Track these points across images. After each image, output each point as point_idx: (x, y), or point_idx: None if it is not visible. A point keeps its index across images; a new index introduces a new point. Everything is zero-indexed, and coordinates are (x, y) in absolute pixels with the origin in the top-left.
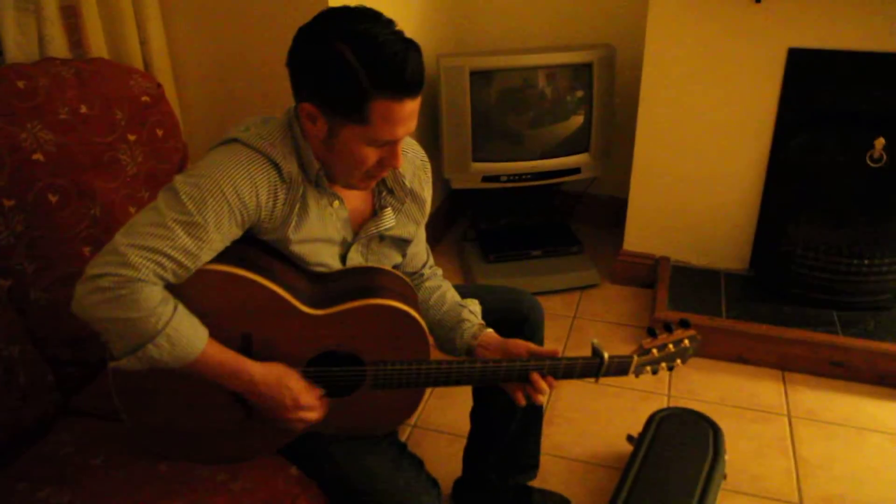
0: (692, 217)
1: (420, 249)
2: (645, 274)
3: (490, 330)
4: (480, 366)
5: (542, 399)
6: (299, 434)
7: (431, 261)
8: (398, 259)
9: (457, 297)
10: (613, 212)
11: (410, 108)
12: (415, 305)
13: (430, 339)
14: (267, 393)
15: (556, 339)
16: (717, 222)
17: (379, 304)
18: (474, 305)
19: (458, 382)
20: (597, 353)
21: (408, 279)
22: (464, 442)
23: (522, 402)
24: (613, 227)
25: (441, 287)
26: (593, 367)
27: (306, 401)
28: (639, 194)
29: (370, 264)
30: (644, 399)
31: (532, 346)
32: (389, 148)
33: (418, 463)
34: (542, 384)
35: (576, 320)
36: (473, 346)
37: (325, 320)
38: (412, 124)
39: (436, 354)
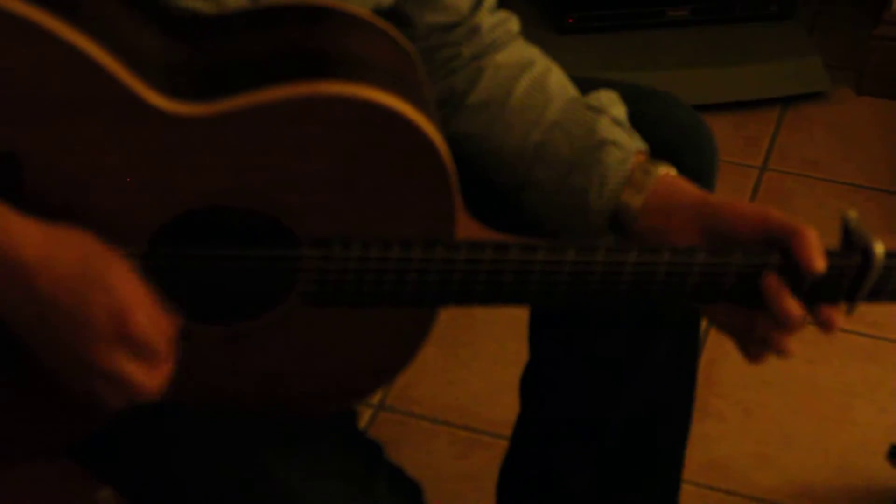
0: None
1: None
2: None
3: (670, 169)
4: (706, 261)
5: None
6: (118, 412)
7: None
8: None
9: (571, 89)
10: None
11: None
12: (424, 104)
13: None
14: (53, 296)
15: None
16: None
17: (339, 97)
18: (614, 106)
19: (548, 295)
20: (854, 239)
21: (411, 46)
22: (492, 448)
23: (786, 350)
24: None
25: (533, 64)
26: (843, 277)
27: (144, 329)
28: None
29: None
30: None
31: (772, 211)
32: None
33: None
34: (835, 314)
35: (765, 174)
36: (632, 207)
37: (202, 131)
38: None
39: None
